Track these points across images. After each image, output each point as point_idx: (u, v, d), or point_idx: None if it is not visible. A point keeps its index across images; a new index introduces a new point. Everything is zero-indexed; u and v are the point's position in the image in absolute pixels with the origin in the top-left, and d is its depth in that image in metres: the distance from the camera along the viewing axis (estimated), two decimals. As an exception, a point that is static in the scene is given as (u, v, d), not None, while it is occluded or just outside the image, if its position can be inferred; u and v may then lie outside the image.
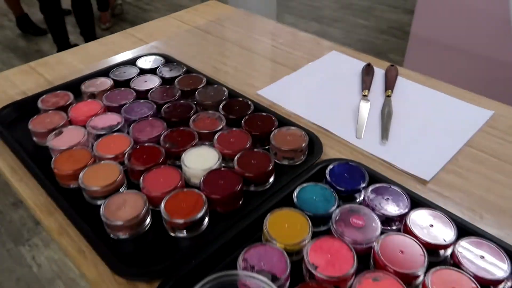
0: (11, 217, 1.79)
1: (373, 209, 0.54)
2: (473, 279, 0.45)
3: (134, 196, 0.56)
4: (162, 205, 0.54)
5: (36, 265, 1.60)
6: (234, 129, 0.68)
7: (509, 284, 0.46)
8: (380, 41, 3.16)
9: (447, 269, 0.47)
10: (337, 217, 0.53)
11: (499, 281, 0.46)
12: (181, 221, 0.53)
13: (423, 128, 0.73)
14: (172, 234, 0.55)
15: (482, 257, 0.48)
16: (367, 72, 0.86)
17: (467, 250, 0.49)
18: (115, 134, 0.67)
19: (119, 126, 0.68)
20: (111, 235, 0.55)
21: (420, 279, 0.47)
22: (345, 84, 0.85)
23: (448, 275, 0.46)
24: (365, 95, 0.80)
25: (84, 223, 0.55)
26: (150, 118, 0.70)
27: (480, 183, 0.63)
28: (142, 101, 0.74)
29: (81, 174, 0.59)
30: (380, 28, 3.37)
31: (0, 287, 1.52)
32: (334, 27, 3.38)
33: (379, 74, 0.88)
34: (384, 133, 0.71)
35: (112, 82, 0.80)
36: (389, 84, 0.82)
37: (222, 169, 0.61)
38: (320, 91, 0.84)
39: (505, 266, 0.47)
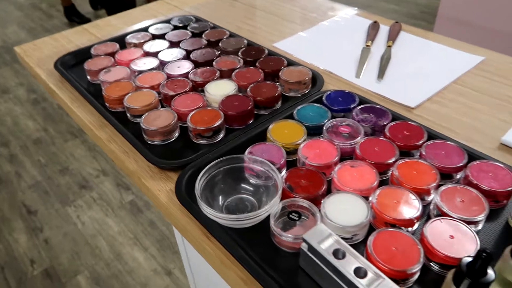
0: (58, 182, 2.01)
1: (359, 121, 0.65)
2: (435, 167, 0.56)
3: (166, 112, 0.71)
4: (188, 117, 0.68)
5: (80, 223, 1.80)
6: (250, 67, 0.81)
7: (465, 173, 0.56)
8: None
9: (412, 160, 0.57)
10: (329, 127, 0.65)
11: (459, 168, 0.57)
12: (202, 128, 0.66)
13: (416, 70, 0.83)
14: (195, 141, 0.68)
15: (443, 153, 0.58)
16: (373, 27, 0.96)
17: (433, 149, 0.59)
18: (152, 71, 0.82)
19: (155, 66, 0.83)
20: (148, 141, 0.69)
21: (391, 168, 0.58)
22: (352, 38, 0.96)
23: (412, 164, 0.57)
24: (368, 45, 0.91)
25: (128, 133, 0.70)
26: (181, 61, 0.84)
27: (460, 110, 0.72)
28: (174, 48, 0.89)
29: (125, 98, 0.74)
30: (411, 13, 3.38)
31: (50, 240, 1.73)
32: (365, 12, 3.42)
33: (384, 30, 0.98)
34: (380, 73, 0.81)
35: (150, 35, 0.95)
36: (391, 37, 0.92)
37: (238, 94, 0.74)
38: (329, 44, 0.95)
39: (463, 158, 0.57)
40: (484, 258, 0.36)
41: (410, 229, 0.51)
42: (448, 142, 0.60)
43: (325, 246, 0.44)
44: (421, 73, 0.82)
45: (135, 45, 0.92)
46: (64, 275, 1.60)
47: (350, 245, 0.50)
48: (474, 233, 0.47)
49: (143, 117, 0.69)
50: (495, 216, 0.53)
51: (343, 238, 0.50)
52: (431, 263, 0.47)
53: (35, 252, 1.69)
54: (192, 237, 0.55)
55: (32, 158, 2.17)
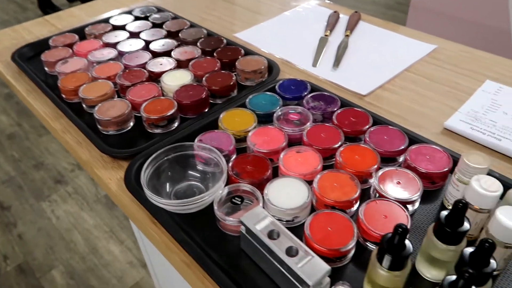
0: (33, 177, 1.99)
1: (309, 109, 0.67)
2: (376, 152, 0.58)
3: (120, 102, 0.71)
4: (142, 107, 0.69)
5: (55, 218, 1.79)
6: (207, 57, 0.81)
7: (405, 156, 0.58)
8: (387, 17, 3.21)
9: (355, 145, 0.59)
10: (279, 115, 0.66)
11: (399, 152, 0.59)
12: (155, 117, 0.67)
13: (371, 59, 0.85)
14: (149, 130, 0.69)
15: (386, 137, 0.60)
16: (333, 17, 0.98)
17: (376, 134, 0.61)
18: (110, 62, 0.82)
19: (113, 57, 0.83)
20: (103, 132, 0.69)
21: (336, 153, 0.59)
22: (312, 28, 0.97)
23: (355, 149, 0.58)
24: (326, 35, 0.92)
25: (82, 123, 0.70)
26: (140, 51, 0.85)
27: (410, 97, 0.74)
28: (134, 39, 0.89)
29: (80, 88, 0.74)
30: (388, 3, 3.42)
31: (24, 235, 1.71)
32: (341, 5, 3.45)
33: (344, 20, 0.99)
34: (336, 61, 0.83)
35: (111, 26, 0.94)
36: (350, 26, 0.94)
37: (194, 84, 0.74)
38: (289, 34, 0.96)
39: (404, 142, 0.59)
40: (400, 233, 0.38)
41: (350, 210, 0.52)
42: (390, 127, 0.62)
43: (261, 227, 0.45)
44: (375, 62, 0.84)
45: (95, 36, 0.92)
46: (38, 270, 1.59)
47: (292, 227, 0.52)
48: (407, 212, 0.49)
49: (96, 107, 0.70)
50: (432, 197, 0.55)
51: (285, 221, 0.52)
52: (367, 243, 0.49)
53: (8, 247, 1.67)
54: (141, 224, 0.56)
55: (6, 153, 2.14)
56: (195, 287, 0.49)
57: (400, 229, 0.37)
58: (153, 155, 0.57)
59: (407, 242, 0.39)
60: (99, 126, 0.69)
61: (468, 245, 0.41)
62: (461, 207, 0.39)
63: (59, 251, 1.65)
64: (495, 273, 0.47)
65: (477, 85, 0.75)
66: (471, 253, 0.38)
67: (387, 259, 0.39)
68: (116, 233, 1.73)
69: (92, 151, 0.66)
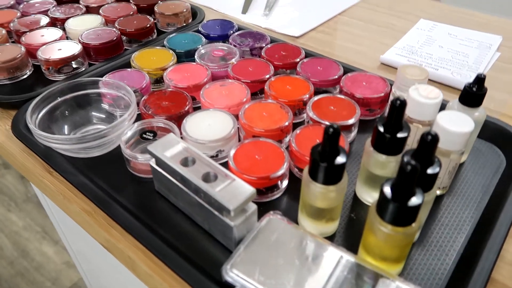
0: (-49, 178, 1.76)
1: (235, 46, 0.60)
2: (309, 81, 0.52)
3: (13, 46, 0.60)
4: (39, 50, 0.58)
5: (-24, 222, 1.59)
6: (122, 2, 0.72)
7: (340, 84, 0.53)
8: None
9: (286, 76, 0.53)
10: (202, 53, 0.58)
11: (334, 81, 0.53)
12: (55, 59, 0.56)
13: (305, 5, 0.80)
14: (51, 78, 0.58)
15: (320, 68, 0.55)
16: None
17: (309, 66, 0.55)
18: (4, 10, 0.70)
19: (9, 5, 0.71)
20: (-8, 81, 0.58)
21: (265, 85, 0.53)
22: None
23: (286, 80, 0.52)
24: (257, -16, 0.86)
25: (-34, 74, 0.58)
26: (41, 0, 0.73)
27: (344, 37, 0.70)
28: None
29: (-37, 35, 0.62)
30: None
31: None
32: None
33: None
34: (267, 7, 0.77)
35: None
36: (281, -24, 0.88)
37: (104, 28, 0.65)
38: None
39: (339, 71, 0.54)
40: (332, 134, 0.31)
41: (282, 142, 0.46)
42: (324, 58, 0.56)
43: (171, 154, 0.37)
44: (309, 8, 0.79)
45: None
46: (-45, 280, 1.39)
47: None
48: (344, 136, 0.43)
49: (-18, 52, 0.58)
50: (370, 126, 0.50)
51: (210, 157, 0.44)
52: (302, 173, 0.43)
53: None
54: (32, 175, 0.46)
55: None
56: (100, 239, 0.40)
57: (331, 129, 0.31)
58: (44, 93, 0.47)
59: (340, 148, 0.33)
60: (-14, 75, 0.58)
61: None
62: (399, 104, 0.34)
63: (-19, 258, 1.46)
64: (439, 192, 0.42)
65: (411, 25, 0.72)
66: (412, 153, 0.33)
67: (320, 171, 0.33)
68: (49, 233, 1.55)
69: (-23, 102, 0.55)
